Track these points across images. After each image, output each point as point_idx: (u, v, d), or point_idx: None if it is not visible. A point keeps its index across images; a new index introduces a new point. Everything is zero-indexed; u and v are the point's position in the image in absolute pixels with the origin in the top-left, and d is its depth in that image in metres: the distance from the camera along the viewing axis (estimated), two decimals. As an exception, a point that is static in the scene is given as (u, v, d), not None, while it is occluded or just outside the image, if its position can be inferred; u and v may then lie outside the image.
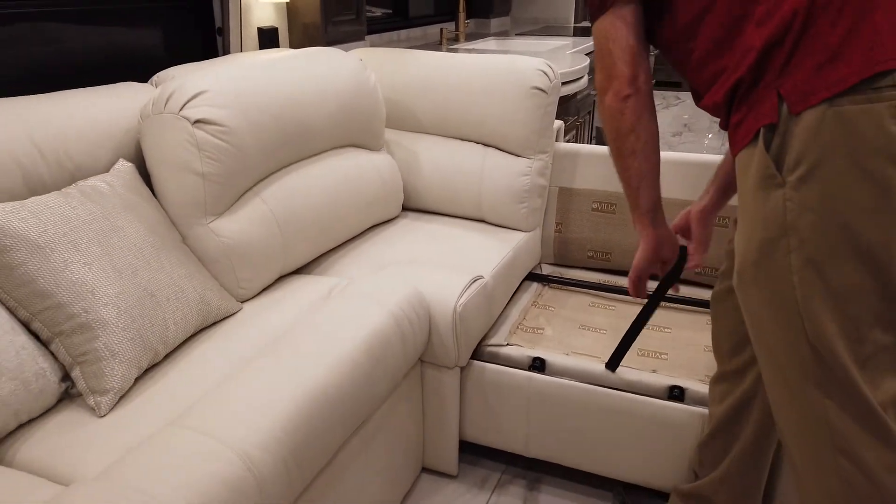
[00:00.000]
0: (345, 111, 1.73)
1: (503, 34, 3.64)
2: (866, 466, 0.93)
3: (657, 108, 3.96)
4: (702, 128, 5.70)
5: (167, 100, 1.38)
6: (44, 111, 1.35)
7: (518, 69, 1.86)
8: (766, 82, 0.94)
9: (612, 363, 1.52)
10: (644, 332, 1.68)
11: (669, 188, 1.72)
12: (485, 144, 1.96)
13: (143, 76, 1.76)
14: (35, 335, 1.13)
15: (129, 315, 1.16)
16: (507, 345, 1.63)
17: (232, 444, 1.01)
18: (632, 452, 1.54)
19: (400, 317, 1.43)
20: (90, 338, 1.12)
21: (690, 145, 5.06)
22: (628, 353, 1.51)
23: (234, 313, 1.44)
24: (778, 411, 1.03)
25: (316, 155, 1.71)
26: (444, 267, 1.66)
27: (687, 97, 7.03)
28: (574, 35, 3.56)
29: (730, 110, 1.01)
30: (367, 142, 1.86)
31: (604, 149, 2.05)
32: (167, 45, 1.99)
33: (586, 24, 4.18)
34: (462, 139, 1.98)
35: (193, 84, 1.40)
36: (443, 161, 1.96)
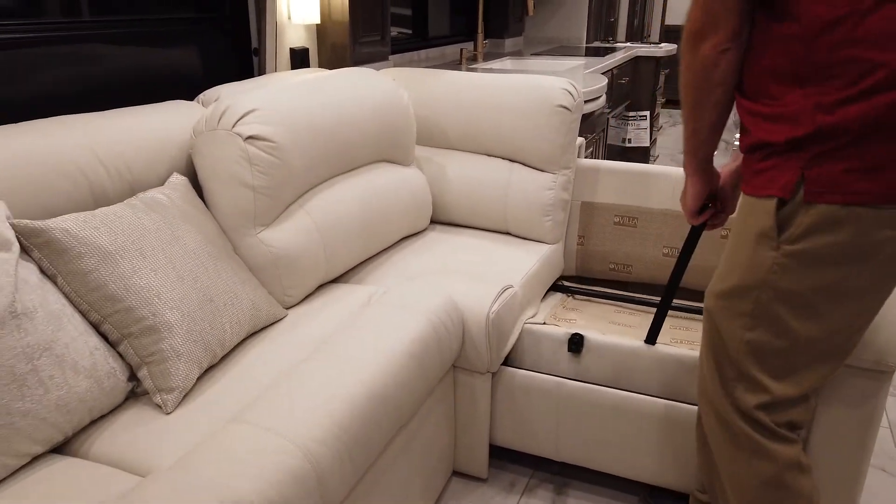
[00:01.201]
0: (380, 128, 1.81)
1: (517, 54, 3.73)
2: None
3: (665, 126, 4.01)
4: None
5: (220, 117, 1.47)
6: (104, 127, 1.43)
7: (544, 88, 1.95)
8: (800, 157, 1.01)
9: (651, 337, 1.58)
10: (673, 339, 1.76)
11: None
12: (510, 160, 2.04)
13: (185, 95, 1.85)
14: (104, 337, 1.20)
15: (191, 318, 1.24)
16: (545, 323, 1.71)
17: (294, 439, 1.08)
18: (659, 456, 1.60)
19: (437, 324, 1.50)
20: (157, 339, 1.19)
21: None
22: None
23: (280, 319, 1.51)
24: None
25: (354, 169, 1.79)
26: (474, 277, 1.73)
27: (693, 115, 7.12)
28: (586, 55, 3.66)
29: (756, 150, 1.08)
30: (399, 157, 1.94)
31: (622, 165, 2.13)
32: (206, 65, 2.08)
33: (598, 44, 4.28)
34: (488, 155, 2.06)
35: (245, 102, 1.49)
36: (470, 176, 2.04)
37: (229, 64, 2.16)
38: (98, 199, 1.35)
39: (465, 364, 1.64)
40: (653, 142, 4.11)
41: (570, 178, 2.03)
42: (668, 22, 7.17)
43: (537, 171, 2.00)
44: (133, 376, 1.22)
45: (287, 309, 1.56)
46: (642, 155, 3.97)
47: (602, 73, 2.93)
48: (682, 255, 1.45)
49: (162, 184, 1.49)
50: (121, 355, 1.21)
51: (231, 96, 1.53)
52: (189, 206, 1.41)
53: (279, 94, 1.57)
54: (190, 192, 1.46)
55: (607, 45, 4.34)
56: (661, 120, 5.65)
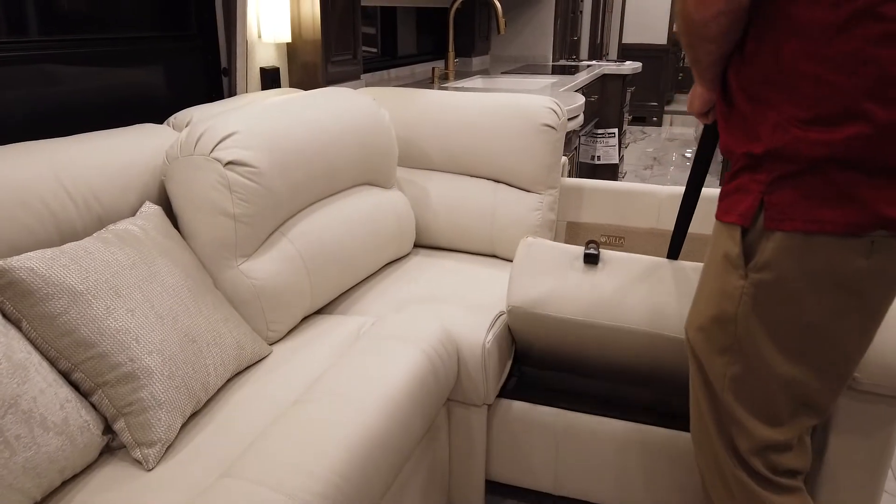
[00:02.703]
0: (363, 149, 1.74)
1: (484, 72, 3.71)
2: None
3: (630, 143, 4.02)
4: (669, 160, 5.88)
5: (197, 141, 1.37)
6: (69, 154, 1.31)
7: (528, 107, 1.90)
8: (759, 180, 0.95)
9: (673, 252, 1.48)
10: None
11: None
12: (495, 181, 1.98)
13: (151, 118, 1.74)
14: (75, 386, 1.09)
15: (173, 362, 1.13)
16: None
17: (292, 494, 0.98)
18: (664, 489, 1.54)
19: (433, 356, 1.42)
20: (135, 388, 1.08)
21: (661, 179, 5.21)
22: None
23: (265, 357, 1.41)
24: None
25: (336, 193, 1.71)
26: (465, 303, 1.66)
27: (653, 132, 7.25)
28: (553, 73, 3.66)
29: (729, 166, 1.03)
30: (381, 180, 1.86)
31: (607, 183, 2.09)
32: (172, 86, 1.97)
33: (564, 61, 4.29)
34: (472, 176, 2.00)
35: (223, 125, 1.39)
36: (454, 198, 1.97)
37: (197, 85, 2.06)
38: (64, 234, 1.24)
39: (459, 397, 1.56)
40: (621, 158, 4.13)
41: (556, 198, 1.98)
42: (624, 41, 7.30)
43: (523, 192, 1.94)
44: (108, 428, 1.11)
45: (271, 345, 1.46)
46: (611, 172, 3.97)
47: (576, 91, 2.91)
48: (700, 156, 1.33)
49: (133, 214, 1.37)
50: (94, 406, 1.09)
51: (207, 119, 1.43)
52: (165, 238, 1.30)
53: (259, 116, 1.48)
54: (165, 223, 1.35)
55: (572, 62, 4.36)
56: (628, 137, 5.71)
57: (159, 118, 1.73)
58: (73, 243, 1.14)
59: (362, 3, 2.77)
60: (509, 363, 1.63)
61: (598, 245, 1.51)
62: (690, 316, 1.12)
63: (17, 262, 1.04)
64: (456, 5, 3.02)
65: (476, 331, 1.52)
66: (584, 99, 2.54)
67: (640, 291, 1.44)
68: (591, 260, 1.49)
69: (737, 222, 0.98)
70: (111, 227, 1.26)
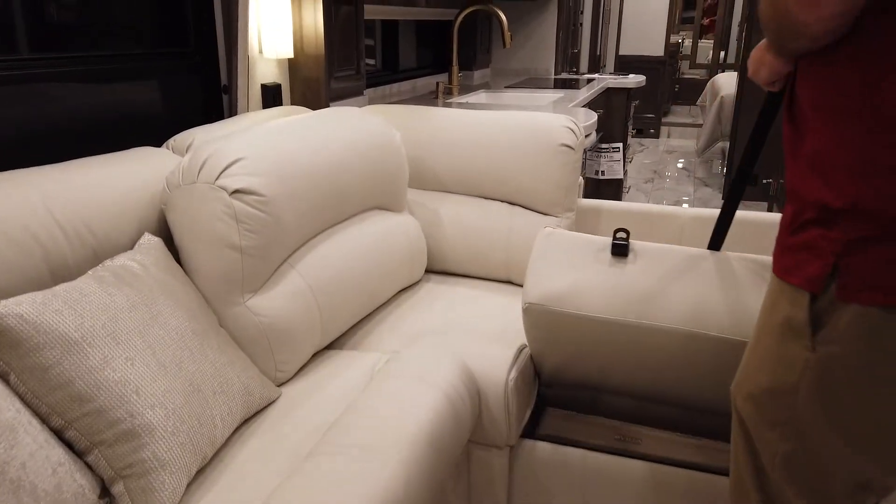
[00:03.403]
0: (374, 173, 1.64)
1: (485, 86, 3.63)
2: None
3: (614, 160, 3.96)
4: (670, 173, 5.82)
5: (200, 168, 1.27)
6: (60, 183, 1.21)
7: (545, 126, 1.81)
8: (833, 239, 0.81)
9: (715, 242, 1.32)
10: None
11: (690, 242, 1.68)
12: (510, 203, 1.89)
13: (148, 139, 1.63)
14: (68, 444, 0.98)
15: (177, 416, 1.02)
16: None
17: (314, 567, 0.88)
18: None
19: (454, 397, 1.32)
20: (136, 447, 0.97)
21: (664, 192, 5.14)
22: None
23: (274, 400, 1.30)
24: None
25: (346, 220, 1.61)
26: (483, 335, 1.56)
27: (650, 144, 7.20)
28: (556, 87, 3.58)
29: (790, 205, 0.89)
30: (391, 203, 1.77)
31: (624, 204, 2.01)
32: (170, 105, 1.87)
33: (565, 75, 4.22)
34: (485, 198, 1.91)
35: (228, 151, 1.29)
36: (467, 220, 1.88)
37: (196, 103, 1.96)
38: (55, 271, 1.13)
39: (480, 438, 1.46)
40: (625, 173, 4.06)
41: (573, 221, 1.89)
42: (621, 52, 7.26)
43: (540, 215, 1.85)
44: (106, 491, 1.00)
45: (280, 386, 1.36)
46: (616, 187, 3.90)
47: (583, 106, 2.84)
48: (760, 127, 1.15)
49: (131, 246, 1.27)
50: (90, 467, 0.98)
51: (210, 143, 1.33)
52: (166, 275, 1.20)
53: (265, 139, 1.38)
54: (165, 257, 1.25)
55: (573, 75, 4.29)
56: (631, 151, 5.64)
57: (156, 139, 1.62)
58: (66, 284, 1.04)
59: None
60: (533, 401, 1.53)
61: (627, 234, 1.35)
62: (739, 379, 0.99)
63: (4, 308, 0.94)
64: (460, 19, 2.94)
65: (498, 368, 1.42)
66: (596, 116, 2.46)
67: (677, 286, 1.28)
68: (619, 251, 1.33)
69: (803, 287, 0.84)
70: (108, 262, 1.16)
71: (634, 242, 1.35)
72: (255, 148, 1.33)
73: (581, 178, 2.04)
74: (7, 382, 0.94)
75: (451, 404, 1.30)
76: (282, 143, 1.39)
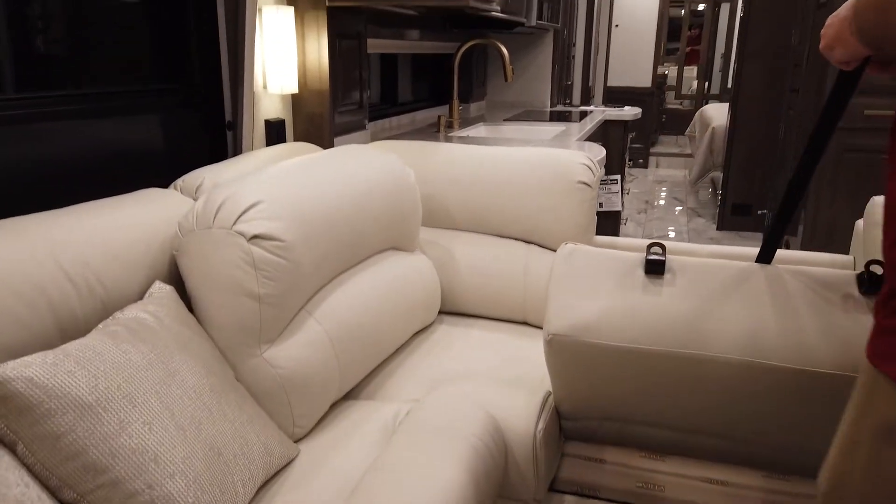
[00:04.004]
0: (390, 213, 1.58)
1: (481, 118, 3.61)
2: None
3: (612, 192, 3.94)
4: (661, 203, 5.83)
5: (216, 212, 1.20)
6: (68, 230, 1.14)
7: (562, 163, 1.77)
8: None
9: (765, 254, 1.18)
10: None
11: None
12: (525, 241, 1.84)
13: (150, 177, 1.56)
14: (80, 520, 0.90)
15: (198, 485, 0.94)
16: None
17: None
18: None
19: (482, 451, 1.25)
20: (155, 520, 0.89)
21: (658, 222, 5.14)
22: None
23: (293, 459, 1.22)
24: None
25: (361, 262, 1.55)
26: (504, 382, 1.50)
27: (639, 174, 7.24)
28: (552, 119, 3.57)
29: (892, 294, 0.78)
30: (405, 243, 1.71)
31: (640, 242, 1.97)
32: (173, 144, 1.81)
33: (561, 107, 4.23)
34: (500, 236, 1.86)
35: (246, 194, 1.23)
36: (481, 259, 1.82)
37: (200, 140, 1.90)
38: (63, 326, 1.05)
39: (506, 492, 1.38)
40: (622, 205, 4.04)
41: (590, 260, 1.84)
42: (609, 84, 7.33)
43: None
44: (119, 570, 0.91)
45: (297, 442, 1.28)
46: (614, 220, 3.87)
47: (586, 140, 2.82)
48: (829, 114, 1.03)
49: (141, 296, 1.20)
50: (103, 544, 0.90)
51: (226, 185, 1.27)
52: (181, 326, 1.12)
53: (283, 181, 1.32)
54: (179, 307, 1.17)
55: (568, 107, 4.29)
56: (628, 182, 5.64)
57: (159, 178, 1.55)
58: (77, 342, 0.96)
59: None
60: (560, 451, 1.46)
61: (663, 248, 1.21)
62: (828, 483, 0.84)
63: (12, 370, 0.86)
64: (461, 53, 2.92)
65: (524, 418, 1.35)
66: (604, 151, 2.43)
67: (724, 308, 1.14)
68: (655, 268, 1.18)
69: None
70: (119, 315, 1.09)
71: (672, 258, 1.21)
72: (273, 190, 1.27)
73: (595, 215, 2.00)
74: (14, 453, 0.86)
75: (480, 459, 1.23)
76: (300, 185, 1.33)
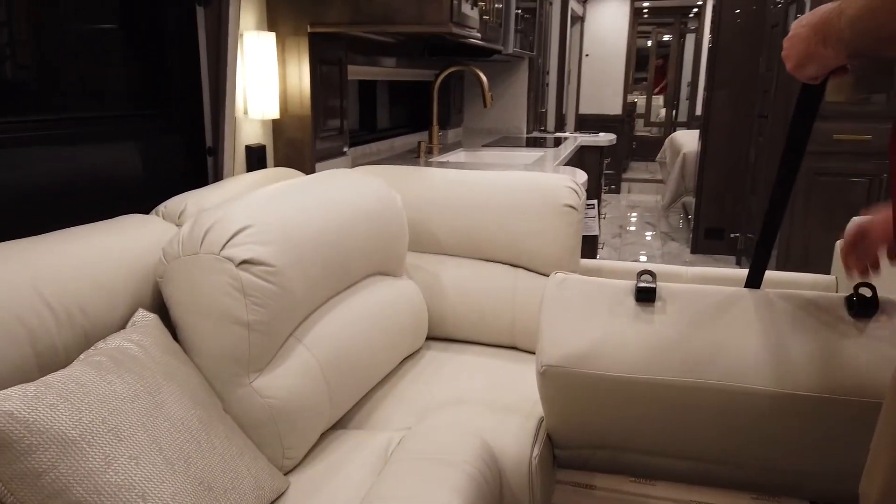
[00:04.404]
0: (379, 238, 1.56)
1: (458, 145, 3.63)
2: None
3: (590, 217, 3.98)
4: (634, 228, 5.90)
5: (203, 237, 1.17)
6: (46, 256, 1.09)
7: (548, 187, 1.78)
8: None
9: (753, 279, 1.18)
10: None
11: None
12: (512, 265, 1.83)
13: (129, 204, 1.51)
14: (61, 564, 0.84)
15: (188, 522, 0.90)
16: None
17: None
18: None
19: (479, 480, 1.21)
20: (143, 562, 0.84)
21: (634, 246, 5.19)
22: None
23: (283, 492, 1.17)
24: None
25: (349, 287, 1.52)
26: (496, 407, 1.47)
27: (612, 199, 7.33)
28: (528, 145, 3.60)
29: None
30: (392, 268, 1.68)
31: (627, 265, 1.98)
32: (152, 169, 1.77)
33: (537, 133, 4.27)
34: (487, 260, 1.84)
35: (233, 218, 1.20)
36: (469, 284, 1.80)
37: (180, 166, 1.86)
38: (42, 357, 1.00)
39: (502, 520, 1.35)
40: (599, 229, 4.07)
41: (576, 283, 1.84)
42: (581, 111, 7.45)
43: (545, 277, 1.79)
44: None
45: (287, 474, 1.23)
46: (591, 244, 3.90)
47: (565, 165, 2.84)
48: (795, 138, 1.03)
49: (123, 325, 1.15)
50: (87, 589, 0.84)
51: (212, 210, 1.24)
52: (166, 356, 1.08)
53: (270, 205, 1.29)
54: (164, 336, 1.13)
55: (543, 134, 4.34)
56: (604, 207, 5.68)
57: (139, 205, 1.51)
58: (59, 373, 0.92)
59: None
60: (555, 479, 1.43)
61: (653, 276, 1.21)
62: (882, 489, 0.80)
63: (-10, 405, 0.81)
64: (440, 80, 2.94)
65: (519, 444, 1.33)
66: (586, 175, 2.45)
67: (715, 334, 1.15)
68: (646, 296, 1.18)
69: None
70: (101, 345, 1.04)
71: (662, 285, 1.21)
72: (261, 215, 1.24)
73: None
74: (-9, 493, 0.81)
75: (476, 487, 1.19)
76: (287, 209, 1.31)
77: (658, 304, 1.20)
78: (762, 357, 1.13)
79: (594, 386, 1.19)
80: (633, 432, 1.30)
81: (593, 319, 1.21)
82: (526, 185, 1.79)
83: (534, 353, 1.79)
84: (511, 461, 1.31)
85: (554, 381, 1.22)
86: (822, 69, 0.91)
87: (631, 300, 1.21)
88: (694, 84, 8.46)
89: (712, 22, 4.78)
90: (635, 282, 1.23)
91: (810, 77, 0.95)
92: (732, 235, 4.63)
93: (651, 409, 1.21)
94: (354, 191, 1.54)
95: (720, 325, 1.16)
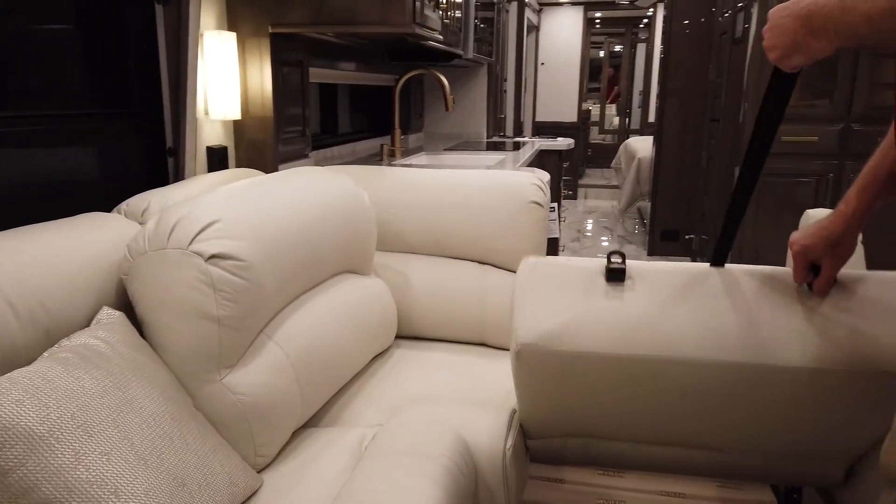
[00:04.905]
0: (347, 234, 1.55)
1: (419, 150, 3.64)
2: None
3: (551, 219, 4.03)
4: (591, 232, 6.01)
5: (170, 232, 1.14)
6: (7, 253, 1.06)
7: (513, 184, 1.80)
8: None
9: (719, 256, 1.20)
10: None
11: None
12: (480, 262, 1.84)
13: (87, 204, 1.47)
14: (30, 565, 0.81)
15: (163, 518, 0.87)
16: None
17: None
18: None
19: (456, 473, 1.22)
20: (117, 560, 0.82)
21: (592, 249, 5.27)
22: None
23: (256, 490, 1.15)
24: None
25: (319, 284, 1.50)
26: (468, 402, 1.47)
27: (569, 205, 7.44)
28: (489, 149, 3.64)
29: None
30: (361, 266, 1.68)
31: (590, 261, 2.01)
32: (111, 169, 1.72)
33: (497, 138, 4.31)
34: (454, 258, 1.85)
35: (201, 213, 1.18)
36: (437, 282, 1.81)
37: (139, 166, 1.82)
38: (3, 355, 0.96)
39: (477, 513, 1.35)
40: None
41: (542, 279, 1.86)
42: (537, 119, 7.56)
43: (513, 273, 1.81)
44: None
45: (260, 472, 1.21)
46: (552, 247, 3.95)
47: (526, 166, 2.87)
48: (765, 125, 1.04)
49: (87, 323, 1.12)
50: (57, 591, 0.81)
51: (178, 206, 1.21)
52: (135, 352, 1.05)
53: (239, 200, 1.28)
54: (132, 333, 1.10)
55: (503, 138, 4.39)
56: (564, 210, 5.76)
57: (97, 205, 1.46)
58: (24, 369, 0.88)
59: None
60: (528, 471, 1.44)
61: (623, 256, 1.22)
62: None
63: (-49, 401, 0.78)
64: (401, 85, 2.95)
65: (493, 437, 1.33)
66: (549, 175, 2.48)
67: (685, 309, 1.16)
68: (616, 276, 1.20)
69: None
70: (65, 342, 1.01)
71: (631, 264, 1.23)
72: (229, 210, 1.22)
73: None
74: (-46, 493, 0.78)
75: (453, 479, 1.19)
76: (256, 205, 1.29)
77: (628, 282, 1.21)
78: (731, 329, 1.15)
79: (569, 365, 1.19)
80: (607, 415, 1.31)
81: (566, 299, 1.21)
82: (492, 183, 1.81)
83: (504, 350, 1.81)
84: (485, 453, 1.32)
85: (529, 362, 1.20)
86: (808, 59, 0.92)
87: (602, 280, 1.22)
88: (646, 92, 8.67)
89: (663, 32, 4.92)
90: (606, 262, 1.25)
91: (794, 67, 0.96)
92: (687, 237, 4.74)
93: (625, 388, 1.22)
94: (322, 188, 1.53)
95: (690, 301, 1.18)
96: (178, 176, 1.87)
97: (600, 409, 1.29)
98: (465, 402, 1.47)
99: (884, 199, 1.08)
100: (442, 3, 2.65)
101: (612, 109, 10.03)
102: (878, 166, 1.07)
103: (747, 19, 3.45)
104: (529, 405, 1.35)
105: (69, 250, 1.15)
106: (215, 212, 1.19)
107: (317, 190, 1.51)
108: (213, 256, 1.14)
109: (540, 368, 1.22)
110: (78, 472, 0.83)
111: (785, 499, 1.73)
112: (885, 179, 1.06)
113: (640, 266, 1.24)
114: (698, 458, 1.40)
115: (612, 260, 1.22)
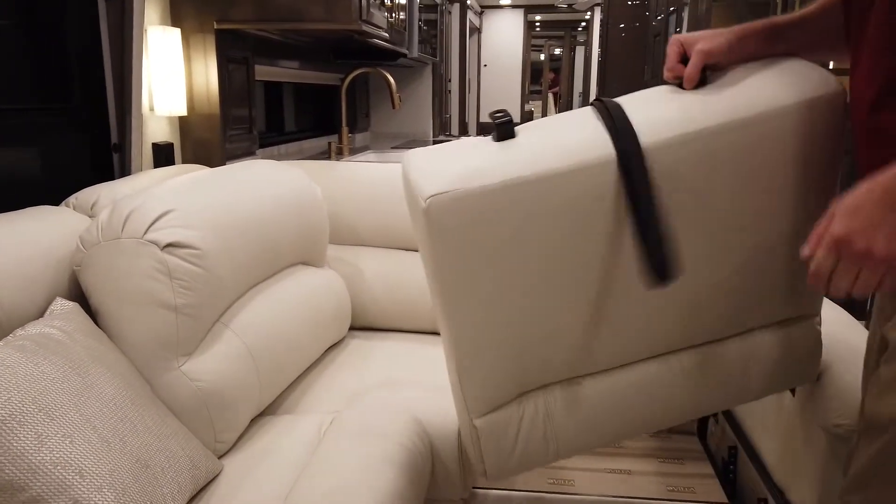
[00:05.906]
0: (301, 225, 1.58)
1: (366, 149, 3.67)
2: None
3: None
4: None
5: (124, 222, 1.15)
6: (-46, 244, 1.04)
7: (461, 177, 1.84)
8: None
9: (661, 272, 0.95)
10: None
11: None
12: (430, 253, 1.88)
13: (30, 199, 1.45)
14: (-6, 549, 0.81)
15: (128, 497, 0.88)
16: None
17: None
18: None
19: (413, 452, 1.26)
20: (84, 538, 0.83)
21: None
22: None
23: (217, 474, 1.17)
24: None
25: (274, 275, 1.52)
26: (425, 387, 1.52)
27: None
28: (435, 148, 3.69)
29: None
30: (314, 258, 1.70)
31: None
32: (53, 165, 1.70)
33: (443, 138, 4.37)
34: (406, 249, 1.89)
35: (155, 203, 1.19)
36: (390, 273, 1.85)
37: (83, 162, 1.79)
38: (-43, 345, 0.96)
39: (434, 494, 1.39)
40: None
41: (491, 268, 1.92)
42: (481, 119, 7.67)
43: (462, 263, 1.86)
44: None
45: (220, 458, 1.22)
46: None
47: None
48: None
49: (40, 314, 1.11)
50: (22, 572, 0.82)
51: (131, 197, 1.22)
52: (93, 341, 1.06)
53: (193, 191, 1.29)
54: (87, 322, 1.10)
55: (449, 138, 4.45)
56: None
57: (43, 202, 1.44)
58: (-19, 356, 0.88)
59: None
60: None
61: (508, 113, 1.04)
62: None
63: None
64: (347, 82, 2.97)
65: (449, 418, 1.37)
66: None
67: (579, 130, 0.98)
68: (505, 132, 1.01)
69: None
70: (20, 332, 1.01)
71: (518, 124, 1.05)
72: (183, 200, 1.23)
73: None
74: (-86, 479, 0.77)
75: (411, 458, 1.24)
76: (210, 195, 1.31)
77: (520, 137, 1.03)
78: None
79: (487, 209, 0.95)
80: (556, 331, 1.07)
81: (461, 158, 1.01)
82: (441, 174, 1.85)
83: (455, 337, 1.86)
84: (441, 435, 1.36)
85: (441, 216, 0.93)
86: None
87: (492, 142, 1.02)
88: (586, 93, 8.90)
89: (600, 35, 5.09)
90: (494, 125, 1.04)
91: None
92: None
93: (556, 234, 0.98)
94: (276, 180, 1.55)
95: (588, 123, 0.99)
96: (124, 172, 1.85)
97: (548, 326, 1.05)
98: (421, 387, 1.52)
99: (764, 46, 1.00)
100: (387, 3, 2.69)
101: (553, 110, 10.25)
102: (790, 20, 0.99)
103: (678, 23, 3.62)
104: (464, 320, 1.09)
105: (19, 243, 1.14)
106: (170, 202, 1.20)
107: (270, 182, 1.53)
108: (168, 245, 1.15)
109: (457, 230, 0.95)
110: (41, 455, 0.83)
111: (722, 468, 1.85)
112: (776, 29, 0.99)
113: (526, 123, 1.09)
114: (671, 378, 1.11)
115: (497, 115, 1.03)
